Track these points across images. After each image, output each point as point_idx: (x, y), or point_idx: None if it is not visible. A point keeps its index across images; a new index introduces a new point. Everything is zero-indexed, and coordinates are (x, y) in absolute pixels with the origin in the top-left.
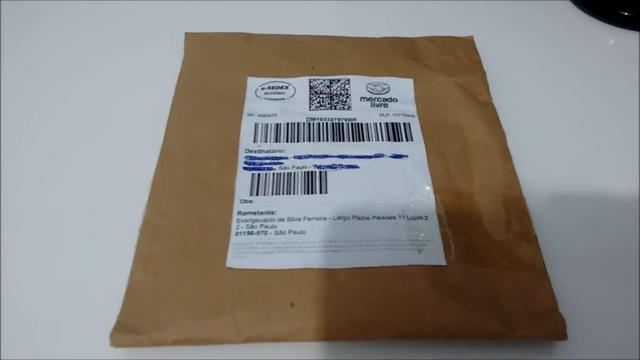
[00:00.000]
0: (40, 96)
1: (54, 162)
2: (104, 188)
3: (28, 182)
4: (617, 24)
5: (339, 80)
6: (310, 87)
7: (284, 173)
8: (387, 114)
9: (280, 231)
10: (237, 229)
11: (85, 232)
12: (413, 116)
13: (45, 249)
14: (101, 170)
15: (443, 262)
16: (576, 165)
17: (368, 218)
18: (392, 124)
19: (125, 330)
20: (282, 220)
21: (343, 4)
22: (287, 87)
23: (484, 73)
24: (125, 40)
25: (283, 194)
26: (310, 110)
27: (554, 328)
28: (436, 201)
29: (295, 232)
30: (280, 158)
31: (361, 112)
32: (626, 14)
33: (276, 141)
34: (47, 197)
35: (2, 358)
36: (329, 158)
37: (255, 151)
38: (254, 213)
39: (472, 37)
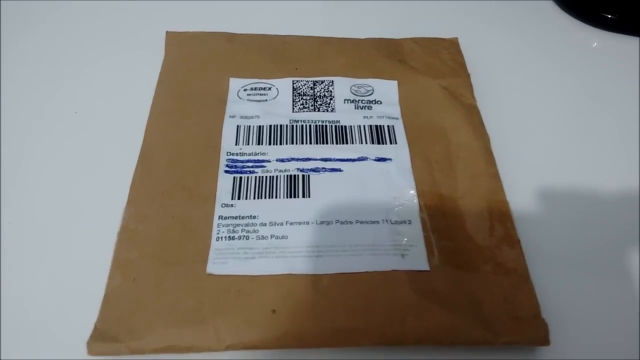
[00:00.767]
0: (16, 97)
1: (30, 164)
2: (81, 191)
3: (4, 186)
4: (601, 27)
5: (322, 82)
6: (294, 89)
7: (267, 177)
8: (371, 117)
9: (262, 236)
10: (218, 234)
11: (62, 236)
12: (397, 119)
13: (21, 254)
14: (79, 173)
15: (426, 267)
16: (560, 168)
17: (351, 222)
18: (376, 126)
19: (103, 339)
20: (264, 225)
21: (328, 4)
22: (270, 89)
23: (468, 75)
24: (105, 39)
25: (265, 198)
26: (293, 112)
27: (536, 333)
28: (420, 205)
29: (277, 237)
30: (263, 161)
31: (345, 114)
32: (610, 16)
33: (258, 144)
34: (23, 200)
35: None
36: (312, 161)
37: (237, 154)
38: (235, 217)
39: (456, 38)
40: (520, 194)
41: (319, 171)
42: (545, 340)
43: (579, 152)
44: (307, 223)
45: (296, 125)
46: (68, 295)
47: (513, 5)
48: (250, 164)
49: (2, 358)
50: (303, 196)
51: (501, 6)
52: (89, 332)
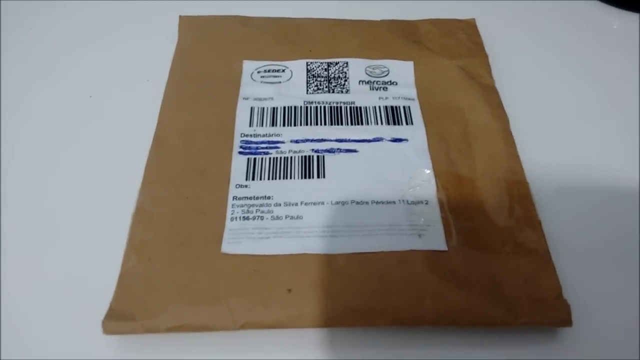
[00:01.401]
0: (32, 82)
1: (47, 149)
2: (97, 174)
3: (20, 169)
4: (622, 7)
5: (337, 63)
6: (308, 71)
7: (281, 157)
8: (386, 98)
9: (277, 216)
10: (232, 214)
11: (78, 219)
12: (413, 99)
13: (38, 237)
14: (94, 157)
15: (444, 247)
16: (581, 150)
17: (367, 203)
18: (392, 107)
19: (118, 318)
20: (279, 205)
21: None
22: (283, 71)
23: (486, 56)
24: (119, 23)
25: (280, 178)
26: (307, 93)
27: (558, 314)
28: (437, 186)
29: (292, 217)
30: (277, 142)
31: (360, 95)
32: None
33: (272, 125)
34: (40, 184)
35: None
36: (326, 142)
37: (251, 135)
38: (250, 198)
39: (474, 19)
40: (541, 176)
41: (334, 152)
42: (567, 322)
43: (600, 134)
44: (322, 203)
45: (310, 107)
46: (84, 275)
47: None
48: (264, 145)
49: (16, 338)
50: (318, 177)
51: None
52: (105, 312)
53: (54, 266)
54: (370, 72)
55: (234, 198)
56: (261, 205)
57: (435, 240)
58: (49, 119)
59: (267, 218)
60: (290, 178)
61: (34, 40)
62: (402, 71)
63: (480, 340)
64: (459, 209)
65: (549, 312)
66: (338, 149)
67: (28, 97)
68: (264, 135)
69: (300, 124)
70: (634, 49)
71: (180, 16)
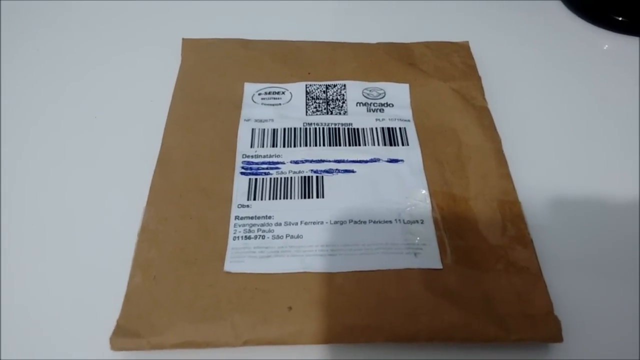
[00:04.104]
0: (39, 102)
1: (53, 168)
2: (102, 194)
3: (27, 187)
4: (612, 29)
5: (335, 86)
6: (307, 93)
7: (281, 178)
8: (383, 119)
9: (278, 235)
10: (234, 233)
11: (85, 237)
12: (409, 121)
13: (46, 255)
14: (100, 176)
15: (439, 265)
16: (572, 170)
17: (365, 222)
18: (388, 128)
19: (125, 334)
20: (280, 224)
21: (340, 10)
22: (283, 93)
23: (479, 78)
24: (123, 46)
25: (280, 198)
26: (306, 115)
27: (549, 330)
28: (432, 205)
29: (292, 237)
30: (277, 163)
31: (357, 117)
32: (621, 18)
33: (273, 146)
34: (47, 203)
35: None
36: (325, 163)
37: (252, 156)
38: (252, 218)
39: (467, 42)
40: (533, 195)
41: (332, 172)
42: (558, 337)
43: (590, 153)
44: (322, 223)
45: (309, 128)
46: (91, 293)
47: (524, 9)
48: (265, 166)
49: (25, 353)
50: (317, 197)
51: (512, 10)
52: (112, 329)
53: (63, 283)
54: (367, 94)
55: (236, 218)
56: (262, 224)
57: (431, 258)
58: (54, 140)
59: (268, 237)
60: (291, 198)
61: (40, 62)
62: (398, 93)
63: (474, 356)
64: (453, 228)
65: (539, 329)
66: (336, 169)
67: (34, 118)
68: (264, 156)
69: (300, 145)
70: (623, 69)
71: (183, 39)
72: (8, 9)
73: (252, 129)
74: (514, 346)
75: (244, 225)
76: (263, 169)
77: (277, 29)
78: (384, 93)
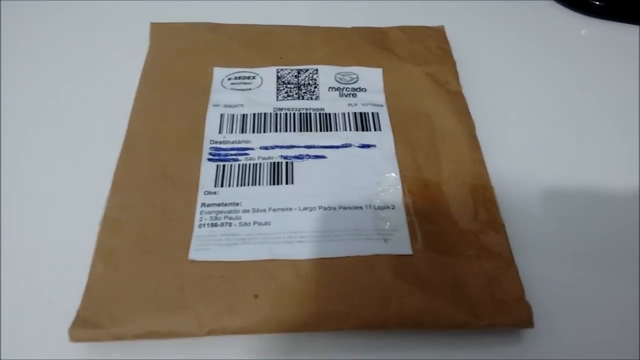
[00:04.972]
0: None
1: (15, 155)
2: (65, 180)
3: None
4: (589, 14)
5: (307, 70)
6: (278, 77)
7: (250, 164)
8: (355, 104)
9: (245, 223)
10: (200, 221)
11: (46, 226)
12: (381, 106)
13: (6, 243)
14: (63, 162)
15: (409, 251)
16: (545, 155)
17: (335, 208)
18: (361, 113)
19: (85, 325)
20: (247, 211)
21: None
22: (254, 77)
23: (453, 62)
24: (91, 31)
25: (248, 185)
26: (277, 100)
27: (520, 316)
28: (403, 190)
29: (260, 224)
30: (246, 149)
31: (329, 102)
32: (597, 3)
33: (242, 132)
34: (8, 191)
35: None
36: (295, 148)
37: (220, 142)
38: (218, 205)
39: (442, 26)
40: (506, 180)
41: (302, 158)
42: (529, 323)
43: (563, 139)
44: (290, 209)
45: (280, 114)
46: (51, 283)
47: None
48: (233, 152)
49: None
50: (286, 183)
51: None
52: (72, 319)
53: (21, 273)
54: (340, 78)
55: (203, 205)
56: (229, 211)
57: (401, 244)
58: (17, 125)
59: (235, 224)
60: (259, 184)
61: (4, 46)
62: (371, 78)
63: (445, 341)
64: (424, 213)
65: (510, 314)
66: (307, 155)
67: None
68: (233, 142)
69: (270, 131)
70: (600, 54)
71: (151, 23)
72: None
73: (221, 115)
74: (485, 332)
75: (210, 212)
76: (231, 155)
77: (249, 12)
78: (357, 78)
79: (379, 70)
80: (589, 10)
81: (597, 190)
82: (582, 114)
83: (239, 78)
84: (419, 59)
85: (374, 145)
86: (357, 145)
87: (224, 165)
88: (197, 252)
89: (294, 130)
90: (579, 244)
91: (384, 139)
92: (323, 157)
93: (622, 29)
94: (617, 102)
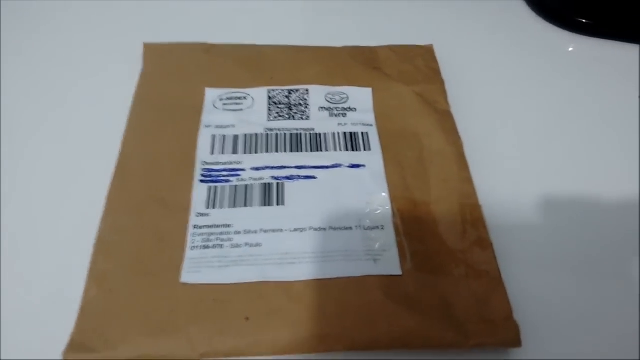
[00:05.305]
0: None
1: (8, 175)
2: (59, 202)
3: None
4: (576, 31)
5: (297, 90)
6: (269, 98)
7: (241, 185)
8: (345, 124)
9: (236, 244)
10: (192, 243)
11: (40, 248)
12: (371, 125)
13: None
14: (56, 184)
15: (398, 272)
16: (532, 173)
17: (325, 229)
18: (350, 133)
19: (79, 350)
20: (239, 233)
21: (306, 13)
22: (245, 98)
23: (442, 82)
24: (84, 50)
25: (240, 206)
26: (268, 120)
27: (508, 335)
28: (393, 210)
29: (251, 245)
30: (238, 170)
31: (320, 122)
32: (584, 21)
33: (234, 153)
34: (2, 212)
35: None
36: (286, 169)
37: (212, 163)
38: (210, 226)
39: (431, 45)
40: (493, 199)
41: (293, 179)
42: (516, 342)
43: (551, 156)
44: (281, 230)
45: (271, 134)
46: (45, 306)
47: (488, 12)
48: (225, 173)
49: None
50: (277, 204)
51: (476, 12)
52: (66, 343)
53: (17, 296)
54: (330, 98)
55: (195, 227)
56: (221, 233)
57: (390, 265)
58: (10, 146)
59: (226, 246)
60: (251, 205)
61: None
62: (361, 97)
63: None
64: (413, 232)
65: (498, 333)
66: (297, 175)
67: None
68: (225, 163)
69: (261, 151)
70: (588, 72)
71: (144, 44)
72: None
73: (213, 136)
74: (473, 351)
75: (202, 234)
76: (223, 176)
77: (242, 33)
78: (347, 97)
79: (369, 90)
80: (576, 27)
81: (586, 206)
82: (570, 131)
83: (231, 99)
84: (408, 78)
85: (364, 165)
86: (347, 165)
87: (215, 187)
88: (189, 275)
89: (285, 151)
90: (568, 260)
91: (373, 158)
92: (313, 177)
93: (609, 46)
94: (605, 119)
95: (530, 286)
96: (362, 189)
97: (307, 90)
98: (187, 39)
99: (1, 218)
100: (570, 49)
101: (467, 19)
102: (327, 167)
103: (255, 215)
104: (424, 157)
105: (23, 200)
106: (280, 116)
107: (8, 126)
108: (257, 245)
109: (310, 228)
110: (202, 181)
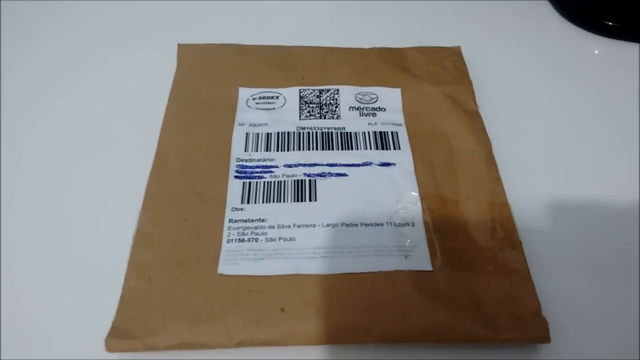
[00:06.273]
0: (35, 106)
1: (50, 172)
2: (99, 197)
3: (25, 192)
4: (602, 34)
5: (328, 90)
6: (301, 97)
7: (274, 181)
8: (375, 123)
9: (271, 238)
10: (228, 236)
11: (82, 240)
12: (400, 125)
13: (43, 257)
14: (96, 180)
15: (429, 268)
16: (561, 173)
17: (356, 225)
18: (380, 132)
19: (120, 336)
20: (273, 227)
21: (335, 14)
22: (277, 97)
23: (470, 83)
24: (119, 50)
25: (273, 202)
26: (300, 119)
27: (537, 331)
28: (422, 208)
29: (285, 239)
30: (271, 167)
31: (350, 121)
32: (611, 23)
33: (267, 150)
34: (44, 207)
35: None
36: (318, 166)
37: (246, 160)
38: (245, 221)
39: (459, 47)
40: (522, 198)
41: (325, 176)
42: (545, 338)
43: (579, 157)
44: (314, 226)
45: (303, 132)
46: (88, 295)
47: (515, 14)
48: (259, 170)
49: (20, 354)
50: (310, 200)
51: (504, 15)
52: (107, 330)
53: (60, 285)
54: (360, 98)
55: (230, 221)
56: (256, 227)
57: (421, 260)
58: (51, 144)
59: (261, 240)
60: (284, 201)
61: (36, 66)
62: (390, 98)
63: (463, 356)
64: (443, 230)
65: (528, 329)
66: (329, 173)
67: (30, 123)
68: (258, 160)
69: (293, 149)
70: (614, 74)
71: (178, 44)
72: (5, 11)
73: (247, 133)
74: (502, 346)
75: (237, 228)
76: (257, 172)
77: (272, 33)
78: (377, 97)
79: (398, 90)
80: (602, 30)
81: (614, 206)
82: (597, 132)
83: (263, 98)
84: (437, 79)
85: (394, 164)
86: (378, 163)
87: (249, 183)
88: (226, 267)
89: (317, 149)
90: (595, 259)
91: (403, 157)
92: (345, 175)
93: (634, 49)
94: (632, 120)
95: (557, 285)
96: (392, 186)
97: (337, 90)
98: (215, 39)
99: (45, 211)
100: (597, 52)
101: (493, 21)
102: (357, 165)
103: (288, 211)
104: (453, 156)
105: (66, 195)
106: (311, 115)
107: (58, 124)
108: (291, 239)
109: (342, 224)
110: (236, 177)
